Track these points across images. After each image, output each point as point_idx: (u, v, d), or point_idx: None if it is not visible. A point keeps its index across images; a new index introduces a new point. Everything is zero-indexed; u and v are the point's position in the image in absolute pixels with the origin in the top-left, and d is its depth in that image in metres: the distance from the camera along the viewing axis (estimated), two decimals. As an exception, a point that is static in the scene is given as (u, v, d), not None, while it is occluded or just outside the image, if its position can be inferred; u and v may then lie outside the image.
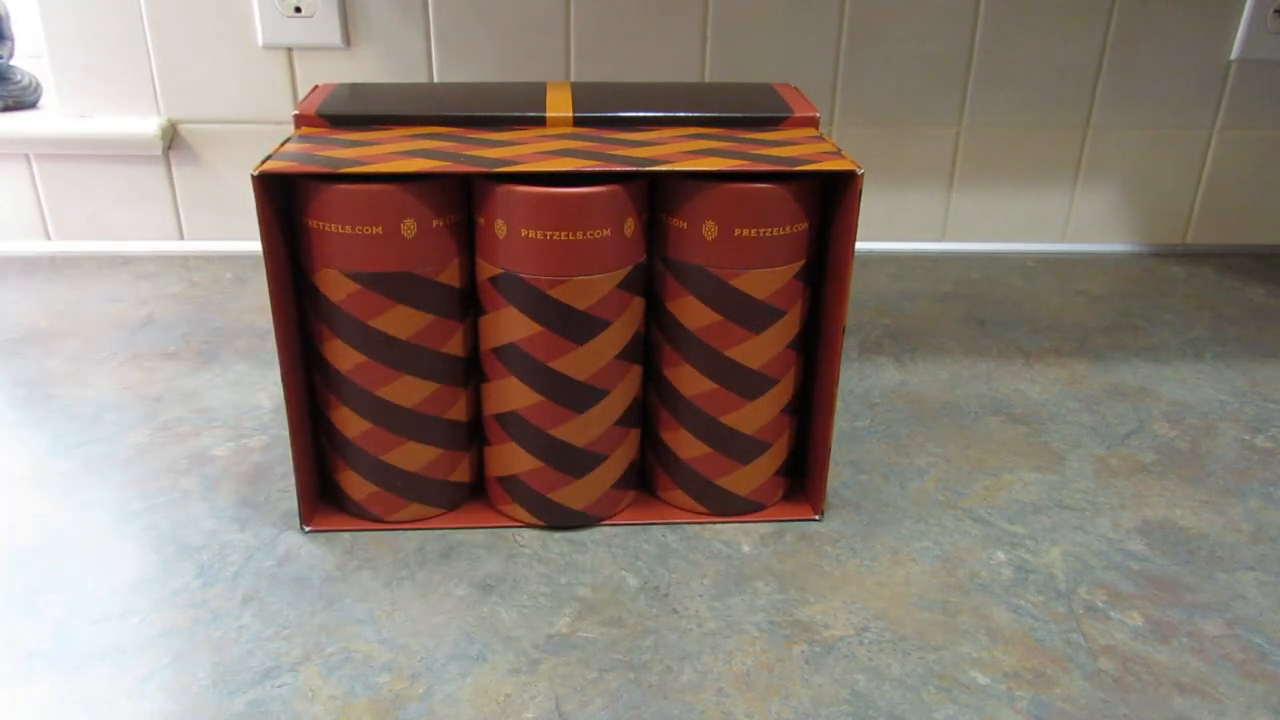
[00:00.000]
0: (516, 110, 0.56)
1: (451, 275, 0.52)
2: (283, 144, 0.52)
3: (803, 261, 0.53)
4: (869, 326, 0.85)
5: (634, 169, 0.49)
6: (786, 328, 0.54)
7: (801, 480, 0.61)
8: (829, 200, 0.54)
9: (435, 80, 0.94)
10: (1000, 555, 0.56)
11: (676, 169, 0.49)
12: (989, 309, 0.88)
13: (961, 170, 0.99)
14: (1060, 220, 1.02)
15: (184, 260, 0.97)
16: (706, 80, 0.95)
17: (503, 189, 0.49)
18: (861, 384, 0.75)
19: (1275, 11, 0.94)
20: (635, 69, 0.94)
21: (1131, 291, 0.93)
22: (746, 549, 0.56)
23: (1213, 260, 1.01)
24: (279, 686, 0.45)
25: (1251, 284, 0.95)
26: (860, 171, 0.49)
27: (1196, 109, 0.98)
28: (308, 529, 0.56)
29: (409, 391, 0.53)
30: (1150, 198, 1.02)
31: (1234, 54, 0.96)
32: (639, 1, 0.91)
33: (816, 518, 0.58)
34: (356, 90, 0.60)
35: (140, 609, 0.50)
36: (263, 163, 0.48)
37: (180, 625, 0.49)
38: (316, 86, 0.61)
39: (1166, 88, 0.97)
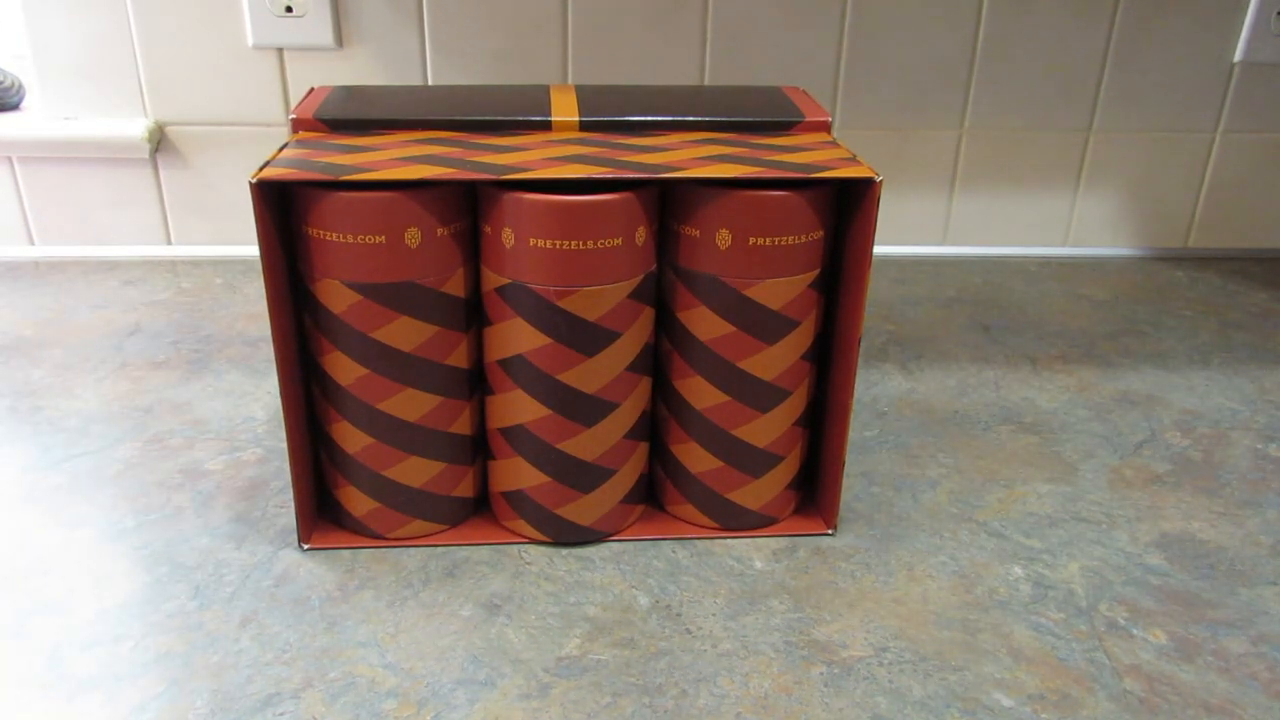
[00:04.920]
0: (521, 114, 0.54)
1: (456, 285, 0.50)
2: (280, 149, 0.50)
3: (818, 271, 0.52)
4: (873, 333, 0.83)
5: (649, 175, 0.47)
6: (800, 339, 0.52)
7: (813, 493, 0.60)
8: (842, 207, 0.52)
9: (430, 83, 0.92)
10: (1018, 570, 0.54)
11: (694, 175, 0.48)
12: (993, 314, 0.87)
13: (964, 174, 0.98)
14: (1063, 224, 1.01)
15: (172, 265, 0.94)
16: (706, 83, 0.93)
17: (511, 196, 0.48)
18: (869, 392, 0.73)
19: (1278, 14, 0.93)
20: (634, 71, 0.92)
21: (1135, 296, 0.92)
22: (759, 565, 0.54)
23: (1215, 264, 1.01)
24: (280, 715, 0.43)
25: (1255, 288, 0.95)
26: (879, 179, 0.48)
27: (1199, 112, 0.97)
28: (306, 547, 0.54)
29: (411, 405, 0.51)
30: (1152, 201, 1.01)
31: (1237, 56, 0.95)
32: (638, 2, 0.89)
33: (829, 532, 0.57)
34: (355, 93, 0.58)
35: (133, 633, 0.48)
36: (261, 169, 0.47)
37: (175, 650, 0.47)
38: (313, 89, 0.59)
39: (1169, 91, 0.96)
